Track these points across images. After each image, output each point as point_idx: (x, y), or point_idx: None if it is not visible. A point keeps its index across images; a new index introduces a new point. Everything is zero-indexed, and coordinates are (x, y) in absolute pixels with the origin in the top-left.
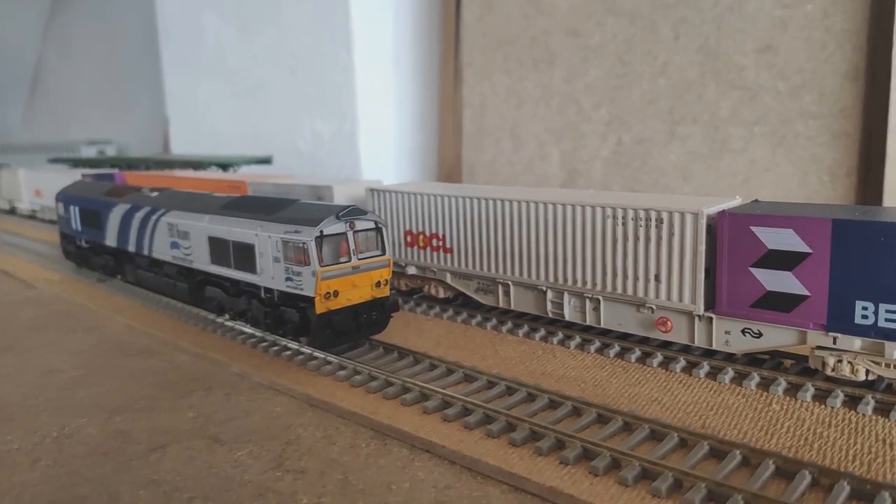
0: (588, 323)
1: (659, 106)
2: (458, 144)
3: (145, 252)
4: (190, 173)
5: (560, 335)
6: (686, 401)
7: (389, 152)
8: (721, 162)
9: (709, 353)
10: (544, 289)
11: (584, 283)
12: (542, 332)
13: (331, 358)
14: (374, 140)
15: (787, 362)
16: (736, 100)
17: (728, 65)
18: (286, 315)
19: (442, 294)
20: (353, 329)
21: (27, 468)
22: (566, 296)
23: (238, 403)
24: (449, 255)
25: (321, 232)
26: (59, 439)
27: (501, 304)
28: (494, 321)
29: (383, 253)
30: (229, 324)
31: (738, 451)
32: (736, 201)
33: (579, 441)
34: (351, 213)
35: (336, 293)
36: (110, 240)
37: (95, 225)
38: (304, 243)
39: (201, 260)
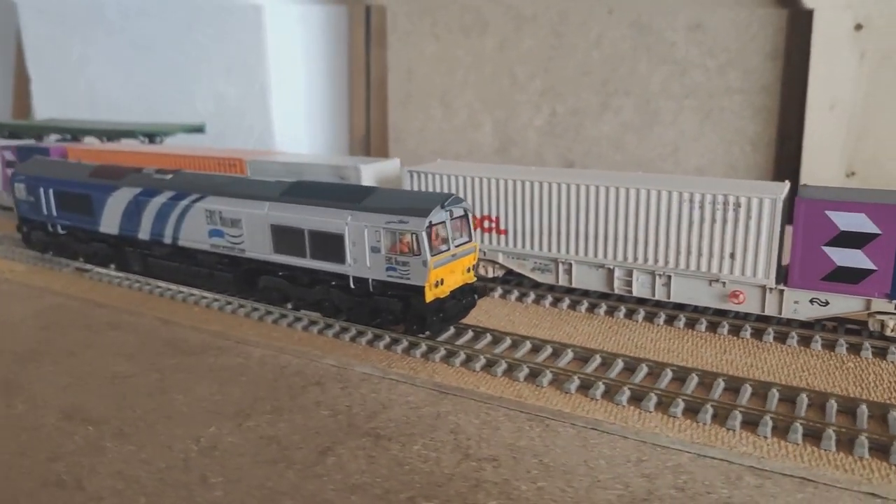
0: (657, 298)
1: (593, 78)
2: (380, 111)
3: (166, 240)
4: (123, 146)
5: (623, 309)
6: (775, 364)
7: (301, 116)
8: (652, 133)
9: (761, 319)
10: (612, 267)
11: (657, 260)
12: (604, 307)
13: (432, 344)
14: (287, 104)
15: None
16: (666, 74)
17: (660, 40)
18: (385, 305)
19: (491, 273)
20: (455, 315)
21: (202, 488)
22: (635, 273)
23: (365, 397)
24: (503, 237)
25: (430, 222)
26: (206, 451)
27: (561, 282)
28: (550, 298)
29: (470, 239)
30: (287, 313)
31: (864, 406)
32: (786, 185)
33: (739, 410)
34: (453, 201)
35: (442, 281)
36: (107, 227)
37: (81, 210)
38: (413, 233)
39: (259, 249)
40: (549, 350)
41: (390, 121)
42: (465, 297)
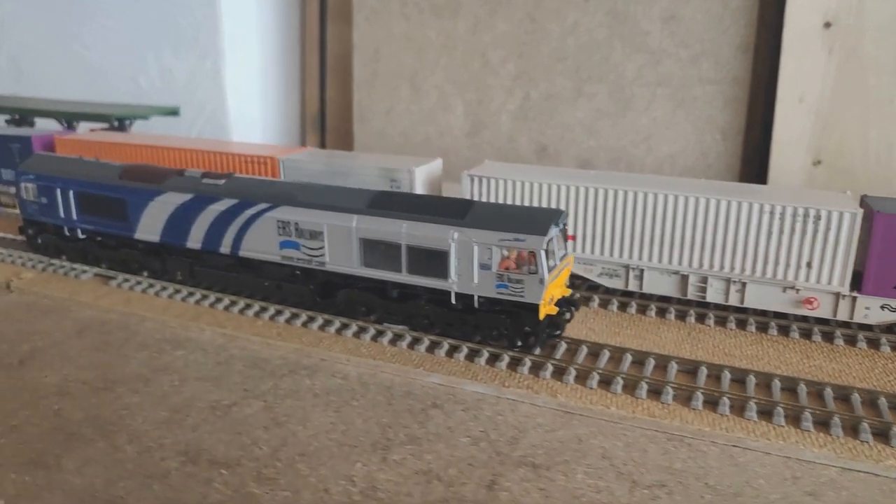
0: (729, 303)
1: (567, 64)
2: (338, 89)
3: (223, 250)
4: (123, 136)
5: (693, 314)
6: (858, 369)
7: (254, 94)
8: (625, 119)
9: (821, 322)
10: (687, 273)
11: (733, 268)
12: (673, 311)
13: (537, 359)
14: (240, 81)
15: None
16: (641, 63)
17: (634, 30)
18: (492, 321)
19: None
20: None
21: None
22: (710, 279)
23: (493, 420)
24: (571, 242)
25: (549, 240)
26: (368, 493)
27: (630, 287)
28: (617, 303)
29: (566, 251)
30: (367, 326)
31: None
32: (849, 196)
33: (866, 421)
34: (564, 217)
35: (552, 297)
36: (145, 233)
37: (112, 215)
38: (531, 251)
39: (343, 262)
40: (652, 362)
41: (355, 100)
42: (565, 310)
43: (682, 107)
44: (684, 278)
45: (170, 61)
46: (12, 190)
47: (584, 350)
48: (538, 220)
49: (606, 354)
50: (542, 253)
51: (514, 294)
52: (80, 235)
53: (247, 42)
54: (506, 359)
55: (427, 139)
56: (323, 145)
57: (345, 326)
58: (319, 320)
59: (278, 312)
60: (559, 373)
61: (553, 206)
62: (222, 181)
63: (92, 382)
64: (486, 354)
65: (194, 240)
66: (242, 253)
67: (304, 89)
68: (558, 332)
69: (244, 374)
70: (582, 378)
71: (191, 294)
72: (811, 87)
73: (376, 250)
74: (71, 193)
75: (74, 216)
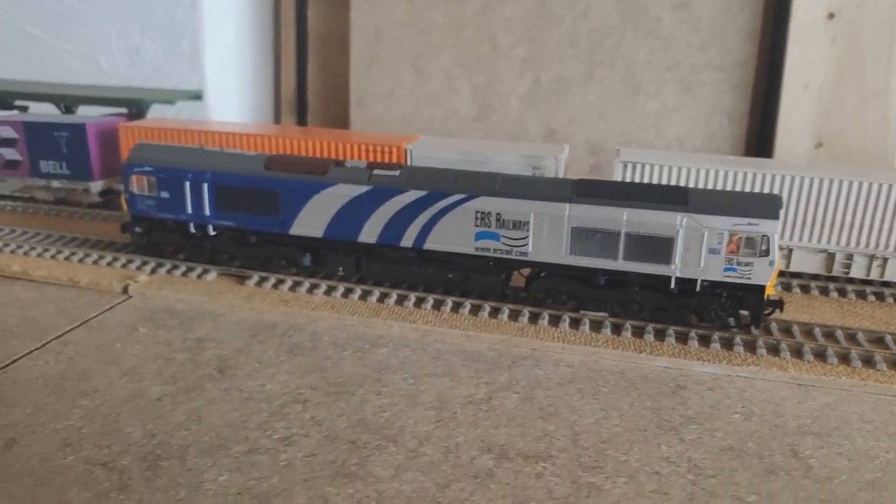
0: (871, 277)
1: (578, 49)
2: (322, 72)
3: (406, 243)
4: (218, 125)
5: (833, 290)
6: None
7: (231, 77)
8: (635, 103)
9: None
10: (834, 252)
11: (877, 245)
12: (814, 286)
13: (747, 338)
14: (218, 63)
15: None
16: (651, 48)
17: (646, 16)
18: (713, 304)
19: None
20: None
21: None
22: (855, 256)
23: (740, 396)
24: None
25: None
26: (695, 471)
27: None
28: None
29: None
30: (561, 314)
31: None
32: None
33: None
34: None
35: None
36: (304, 228)
37: (259, 209)
38: (765, 235)
39: (548, 251)
40: (862, 336)
41: (352, 85)
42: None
43: (691, 91)
44: (830, 256)
45: (138, 41)
46: (55, 184)
47: (795, 328)
48: (767, 205)
49: (817, 330)
50: (776, 236)
51: (742, 276)
52: (211, 232)
53: (224, 22)
54: (717, 339)
55: (430, 123)
56: None
57: (535, 316)
58: (506, 311)
59: (458, 305)
60: (773, 350)
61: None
62: (396, 172)
63: (321, 388)
64: (695, 337)
65: (369, 234)
66: (427, 245)
67: (278, 73)
68: (773, 311)
69: (470, 368)
70: (796, 352)
71: (350, 290)
72: (815, 74)
73: (590, 239)
74: (205, 187)
75: (207, 211)
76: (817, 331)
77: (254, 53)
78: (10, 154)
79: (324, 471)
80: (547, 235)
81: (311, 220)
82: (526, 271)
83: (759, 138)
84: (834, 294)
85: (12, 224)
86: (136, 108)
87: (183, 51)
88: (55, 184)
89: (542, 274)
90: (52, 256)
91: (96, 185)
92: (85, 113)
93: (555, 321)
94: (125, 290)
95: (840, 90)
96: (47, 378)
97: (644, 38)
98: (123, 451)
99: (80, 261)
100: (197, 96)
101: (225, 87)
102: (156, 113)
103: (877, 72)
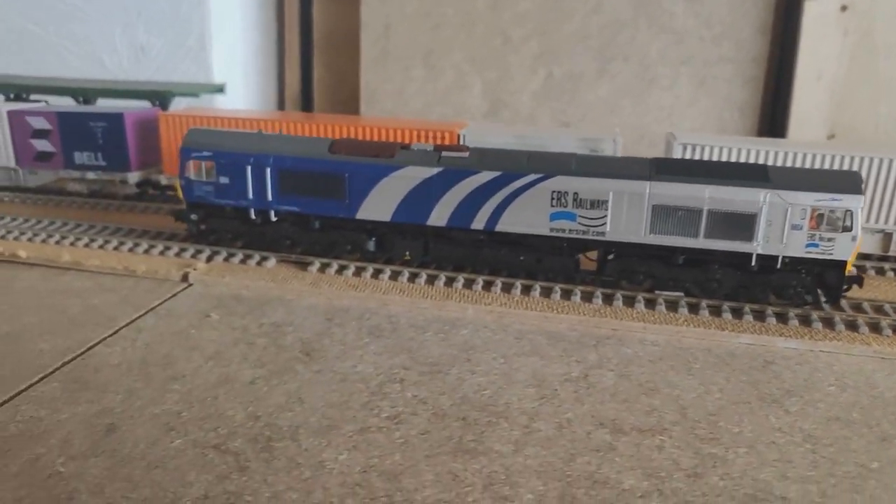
0: None
1: (591, 43)
2: (329, 67)
3: (477, 226)
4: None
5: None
6: None
7: (237, 73)
8: (649, 97)
9: None
10: (891, 231)
11: None
12: (869, 265)
13: (824, 314)
14: (224, 59)
15: None
16: (665, 42)
17: (659, 10)
18: (791, 281)
19: None
20: None
21: None
22: None
23: (830, 370)
24: None
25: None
26: (809, 440)
27: None
28: None
29: None
30: (636, 295)
31: None
32: None
33: None
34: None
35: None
36: (372, 212)
37: (325, 194)
38: (848, 210)
39: (627, 231)
40: None
41: (362, 80)
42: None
43: (704, 85)
44: (888, 236)
45: (142, 37)
46: (90, 175)
47: (866, 304)
48: (849, 180)
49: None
50: (859, 211)
51: (824, 252)
52: (273, 218)
53: (231, 16)
54: (793, 316)
55: (442, 119)
56: None
57: (608, 297)
58: (577, 293)
59: (527, 288)
60: (851, 326)
61: None
62: (466, 153)
63: (414, 368)
64: (772, 314)
65: (438, 217)
66: (500, 227)
67: (282, 68)
68: (851, 288)
69: (556, 348)
70: (874, 328)
71: (415, 275)
72: (828, 66)
73: (671, 217)
74: (268, 171)
75: (270, 196)
76: (887, 307)
77: (258, 51)
78: (43, 145)
79: (442, 447)
80: (626, 214)
81: (379, 204)
82: (593, 254)
83: (771, 130)
84: (890, 273)
85: (54, 216)
86: (162, 100)
87: (189, 47)
88: (90, 175)
89: (610, 256)
90: (101, 246)
91: (133, 176)
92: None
93: (629, 302)
94: (185, 278)
95: (853, 82)
96: (130, 364)
97: (657, 33)
98: (232, 434)
99: (130, 250)
100: (220, 90)
101: (230, 85)
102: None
103: (890, 64)
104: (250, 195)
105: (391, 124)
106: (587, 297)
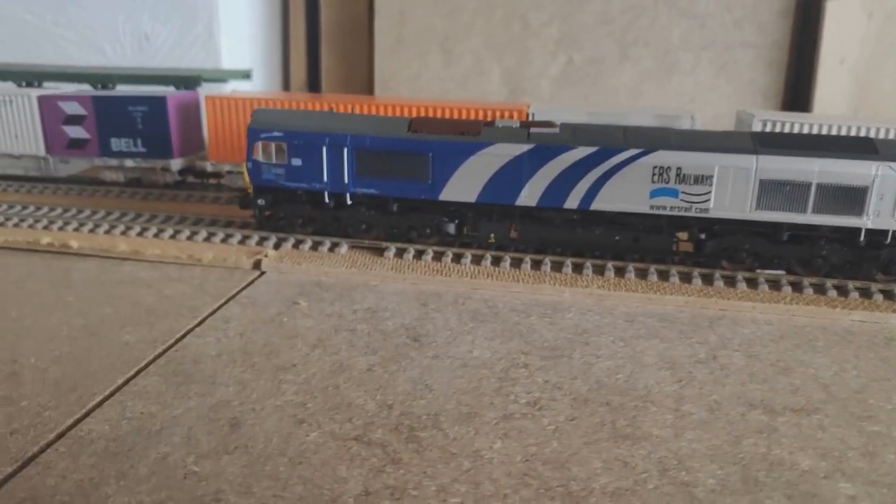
0: None
1: (612, 27)
2: (337, 56)
3: (571, 205)
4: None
5: None
6: None
7: (245, 63)
8: (670, 82)
9: None
10: None
11: None
12: None
13: None
14: (233, 49)
15: None
16: (686, 27)
17: None
18: None
19: None
20: None
21: None
22: None
23: None
24: None
25: None
26: None
27: None
28: None
29: None
30: (734, 275)
31: None
32: None
33: None
34: None
35: None
36: (456, 193)
37: (405, 175)
38: None
39: (732, 206)
40: None
41: (377, 67)
42: None
43: (725, 70)
44: None
45: (147, 26)
46: (128, 163)
47: None
48: None
49: None
50: None
51: None
52: (349, 202)
53: (238, 4)
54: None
55: None
56: None
57: (706, 277)
58: (674, 273)
59: (620, 269)
60: None
61: None
62: (556, 129)
63: (532, 352)
64: (877, 290)
65: (528, 196)
66: (595, 206)
67: (287, 57)
68: None
69: (671, 330)
70: None
71: (499, 259)
72: (851, 49)
73: (778, 191)
74: (345, 152)
75: (347, 178)
76: None
77: (265, 39)
78: (77, 132)
79: (598, 434)
80: (731, 190)
81: (464, 184)
82: (683, 234)
83: None
84: None
85: (92, 206)
86: (189, 86)
87: (197, 34)
88: (129, 163)
89: (703, 236)
90: (155, 235)
91: (176, 163)
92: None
93: (730, 281)
94: (256, 266)
95: (877, 65)
96: (231, 354)
97: (678, 17)
98: (369, 424)
99: (188, 238)
100: (246, 75)
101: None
102: None
103: None
104: (325, 178)
105: (454, 105)
106: (685, 278)
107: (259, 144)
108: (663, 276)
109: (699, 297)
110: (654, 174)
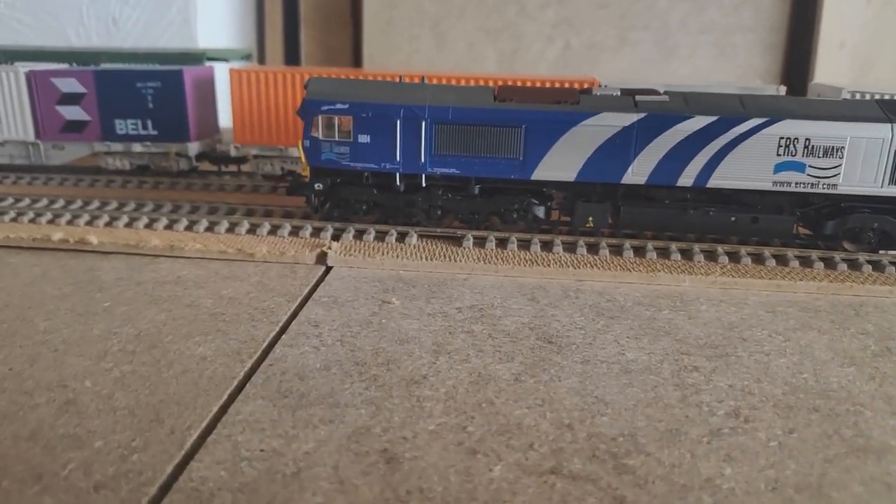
0: None
1: (610, 11)
2: (318, 42)
3: (685, 181)
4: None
5: None
6: None
7: (220, 45)
8: (669, 67)
9: None
10: None
11: None
12: None
13: None
14: (210, 30)
15: None
16: (685, 11)
17: None
18: None
19: None
20: None
21: None
22: None
23: None
24: None
25: None
26: None
27: None
28: None
29: None
30: (855, 257)
31: None
32: None
33: None
34: None
35: None
36: (552, 171)
37: (493, 151)
38: None
39: (862, 181)
40: None
41: (365, 52)
42: None
43: (724, 54)
44: None
45: (116, 8)
46: (136, 148)
47: None
48: None
49: None
50: None
51: None
52: (423, 184)
53: None
54: None
55: None
56: None
57: (826, 261)
58: (791, 257)
59: (732, 254)
60: None
61: None
62: (665, 97)
63: (691, 352)
64: None
65: (637, 173)
66: (712, 183)
67: (262, 42)
68: None
69: (820, 319)
70: None
71: (593, 246)
72: (850, 32)
73: None
74: (423, 125)
75: (423, 157)
76: None
77: (239, 24)
78: (74, 113)
79: (831, 448)
80: (863, 162)
81: (562, 161)
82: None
83: None
84: None
85: (108, 197)
86: (193, 64)
87: (171, 19)
88: (137, 147)
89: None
90: (187, 228)
91: (193, 147)
92: None
93: (853, 264)
94: (321, 261)
95: (876, 48)
96: (341, 366)
97: (678, 1)
98: (558, 451)
99: (228, 231)
100: (247, 56)
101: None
102: None
103: None
104: (398, 157)
105: (515, 80)
106: (805, 262)
107: (320, 118)
108: (782, 260)
109: (831, 282)
110: (779, 146)
